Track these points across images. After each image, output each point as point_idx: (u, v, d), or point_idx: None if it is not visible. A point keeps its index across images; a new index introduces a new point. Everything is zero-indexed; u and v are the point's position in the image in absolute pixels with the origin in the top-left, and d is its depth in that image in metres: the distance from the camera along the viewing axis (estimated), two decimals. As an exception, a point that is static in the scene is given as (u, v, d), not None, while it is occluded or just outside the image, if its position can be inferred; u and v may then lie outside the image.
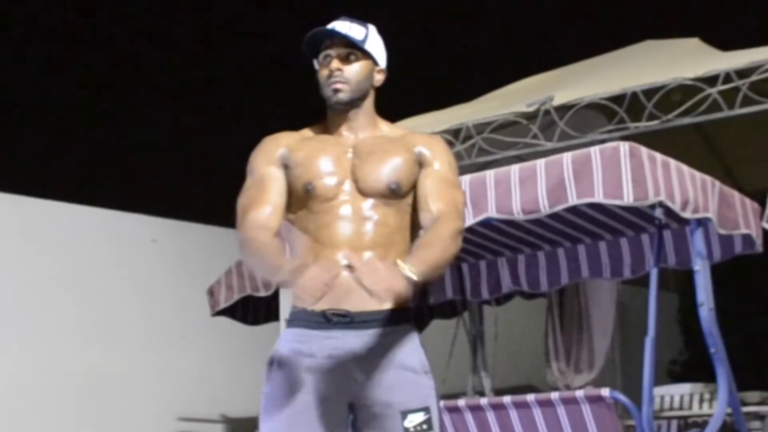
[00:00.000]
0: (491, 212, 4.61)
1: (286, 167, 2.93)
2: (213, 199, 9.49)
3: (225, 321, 6.75)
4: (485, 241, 5.60)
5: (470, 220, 4.69)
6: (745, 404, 6.21)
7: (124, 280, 7.84)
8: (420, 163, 2.95)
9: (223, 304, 6.52)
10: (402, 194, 2.91)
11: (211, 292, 6.59)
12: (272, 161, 2.95)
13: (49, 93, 11.16)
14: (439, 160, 2.95)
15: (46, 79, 11.24)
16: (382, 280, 2.59)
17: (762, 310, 9.97)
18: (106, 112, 10.67)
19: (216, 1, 11.67)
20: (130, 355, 7.70)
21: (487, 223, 4.93)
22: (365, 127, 2.98)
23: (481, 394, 6.31)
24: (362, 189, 2.89)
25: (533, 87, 7.34)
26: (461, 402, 4.96)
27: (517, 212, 4.55)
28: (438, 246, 2.78)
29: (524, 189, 4.53)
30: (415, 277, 2.64)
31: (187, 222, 8.45)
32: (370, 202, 2.88)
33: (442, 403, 4.88)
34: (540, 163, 4.54)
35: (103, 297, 7.70)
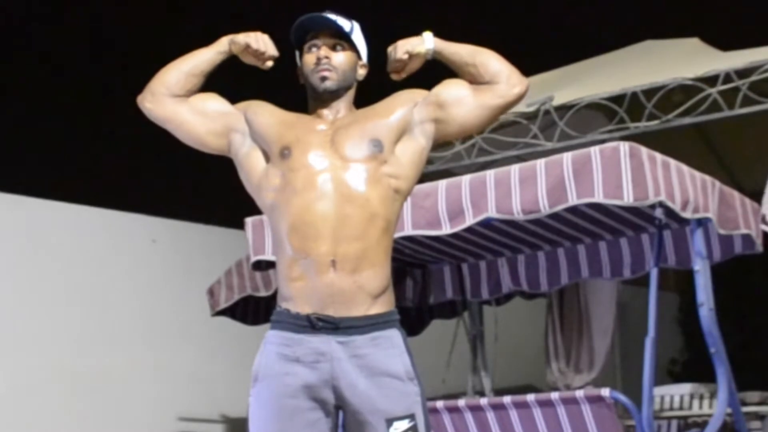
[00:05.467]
0: (491, 212, 4.61)
1: (248, 121, 3.00)
2: (213, 199, 9.51)
3: (225, 321, 6.74)
4: (485, 241, 5.60)
5: (470, 220, 4.69)
6: (745, 404, 6.21)
7: (124, 280, 7.83)
8: (423, 102, 2.98)
9: (223, 304, 6.52)
10: (383, 152, 2.90)
11: (211, 292, 6.59)
12: (237, 107, 3.04)
13: (49, 92, 11.16)
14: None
15: (45, 79, 11.24)
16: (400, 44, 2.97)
17: (762, 310, 9.96)
18: (107, 111, 10.67)
19: (220, 3, 11.68)
20: (130, 355, 7.70)
21: (487, 223, 4.93)
22: (345, 112, 3.01)
23: (481, 394, 6.31)
24: (343, 154, 2.87)
25: (533, 87, 7.33)
26: (461, 402, 4.95)
27: (517, 212, 4.55)
28: (473, 46, 2.99)
29: (524, 189, 4.53)
30: (429, 39, 2.96)
31: (187, 222, 8.44)
32: (351, 171, 2.86)
33: (442, 403, 4.92)
34: (540, 163, 4.54)
35: (103, 297, 7.69)
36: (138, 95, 3.05)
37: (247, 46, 3.00)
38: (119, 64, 10.96)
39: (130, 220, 8.07)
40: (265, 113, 3.01)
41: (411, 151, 2.96)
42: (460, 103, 2.96)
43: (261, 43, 3.00)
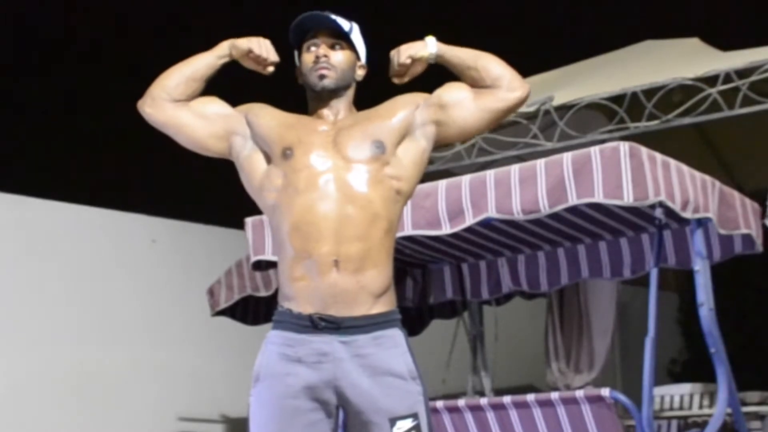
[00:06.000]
0: (491, 212, 4.61)
1: (249, 123, 3.00)
2: (213, 199, 9.51)
3: (225, 321, 6.74)
4: (485, 241, 5.60)
5: (470, 220, 4.69)
6: (745, 404, 6.21)
7: (124, 280, 7.83)
8: (425, 105, 2.99)
9: (223, 304, 6.52)
10: (385, 153, 2.90)
11: (211, 292, 6.59)
12: (238, 109, 3.04)
13: (49, 92, 11.16)
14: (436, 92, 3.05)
15: (45, 79, 11.24)
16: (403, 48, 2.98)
17: (762, 310, 9.96)
18: (107, 112, 10.67)
19: (219, 4, 11.67)
20: (130, 355, 7.70)
21: (487, 223, 4.93)
22: (346, 113, 3.01)
23: (481, 394, 6.31)
24: (345, 155, 2.88)
25: (533, 87, 7.33)
26: (461, 402, 4.95)
27: (517, 212, 4.55)
28: (475, 51, 3.00)
29: (524, 189, 4.53)
30: (432, 43, 2.97)
31: (187, 222, 8.44)
32: (353, 172, 2.86)
33: (442, 403, 4.92)
34: (540, 163, 4.54)
35: (103, 297, 7.69)
36: (138, 100, 3.04)
37: (249, 51, 3.00)
38: (119, 63, 10.96)
39: (130, 220, 8.07)
40: (266, 115, 3.01)
41: (413, 153, 2.96)
42: (460, 105, 2.97)
43: (263, 48, 3.00)
